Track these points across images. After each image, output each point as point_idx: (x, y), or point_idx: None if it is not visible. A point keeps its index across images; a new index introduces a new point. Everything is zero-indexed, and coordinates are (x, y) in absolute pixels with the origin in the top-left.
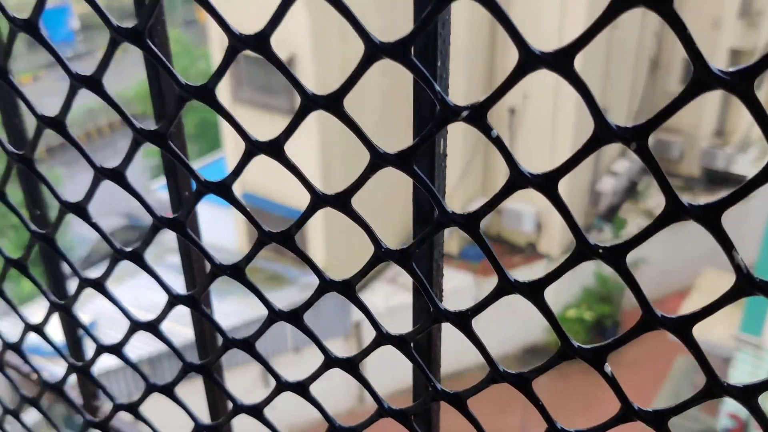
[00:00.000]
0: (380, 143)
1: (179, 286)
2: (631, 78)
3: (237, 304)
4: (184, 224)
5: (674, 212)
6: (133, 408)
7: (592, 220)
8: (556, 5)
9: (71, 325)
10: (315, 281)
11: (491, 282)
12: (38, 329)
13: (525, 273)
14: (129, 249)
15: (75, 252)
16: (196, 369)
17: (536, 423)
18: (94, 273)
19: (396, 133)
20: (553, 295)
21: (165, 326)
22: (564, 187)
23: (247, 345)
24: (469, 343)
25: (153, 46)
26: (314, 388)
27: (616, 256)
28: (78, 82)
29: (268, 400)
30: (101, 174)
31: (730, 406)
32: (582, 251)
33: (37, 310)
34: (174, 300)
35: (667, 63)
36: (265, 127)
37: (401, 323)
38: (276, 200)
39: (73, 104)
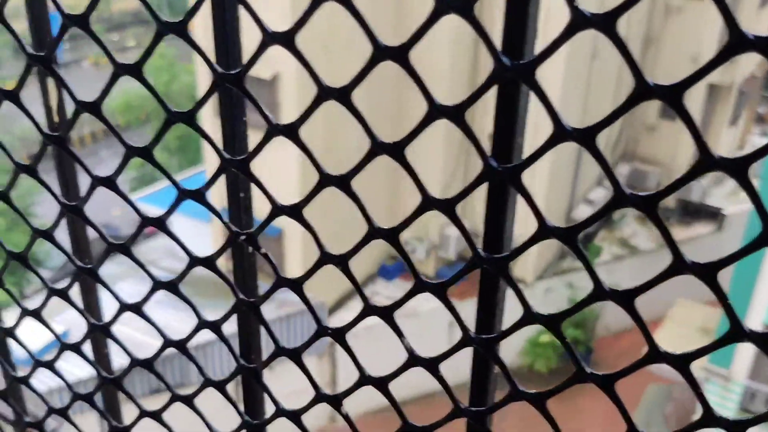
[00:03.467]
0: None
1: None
2: (610, 108)
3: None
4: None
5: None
6: (157, 415)
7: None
8: None
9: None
10: (292, 298)
11: (467, 305)
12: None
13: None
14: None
15: (51, 262)
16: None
17: None
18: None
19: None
20: None
21: (139, 338)
22: (541, 207)
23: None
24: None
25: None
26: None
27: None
28: (121, 70)
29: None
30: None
31: None
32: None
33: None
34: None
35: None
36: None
37: (377, 343)
38: (257, 217)
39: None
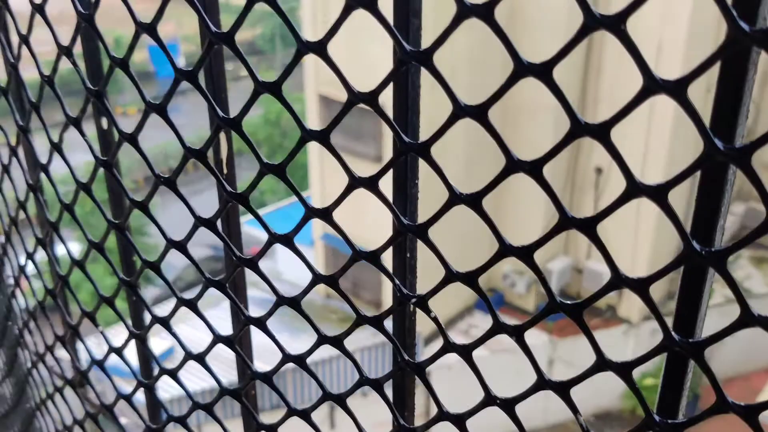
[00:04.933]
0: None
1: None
2: None
3: (309, 342)
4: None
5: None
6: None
7: (676, 288)
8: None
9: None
10: (388, 324)
11: (567, 343)
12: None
13: (603, 338)
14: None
15: (159, 281)
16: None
17: None
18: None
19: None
20: None
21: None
22: (648, 249)
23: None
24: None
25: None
26: None
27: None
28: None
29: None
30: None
31: None
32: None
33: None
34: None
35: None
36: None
37: (471, 378)
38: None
39: (157, 143)
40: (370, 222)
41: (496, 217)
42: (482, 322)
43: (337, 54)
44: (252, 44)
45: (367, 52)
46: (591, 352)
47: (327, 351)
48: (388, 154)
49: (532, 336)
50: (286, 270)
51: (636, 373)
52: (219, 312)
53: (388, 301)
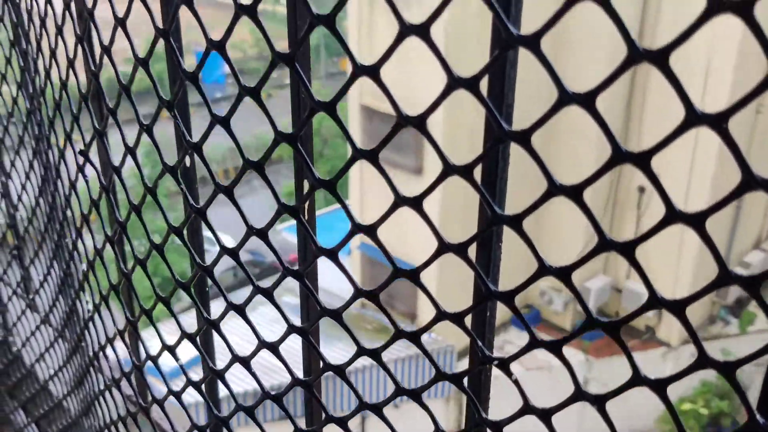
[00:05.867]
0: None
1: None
2: None
3: (342, 350)
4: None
5: None
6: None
7: (717, 312)
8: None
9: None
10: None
11: (603, 363)
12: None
13: (640, 360)
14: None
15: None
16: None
17: None
18: (218, 304)
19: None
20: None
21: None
22: (690, 274)
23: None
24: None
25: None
26: None
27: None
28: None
29: None
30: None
31: None
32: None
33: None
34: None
35: None
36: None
37: (508, 392)
38: (392, 253)
39: (216, 142)
40: (412, 240)
41: (537, 237)
42: (517, 338)
43: (387, 75)
44: None
45: (415, 72)
46: (627, 373)
47: (362, 360)
48: (428, 166)
49: (568, 355)
50: (322, 279)
51: (673, 397)
52: (256, 317)
53: (423, 313)
